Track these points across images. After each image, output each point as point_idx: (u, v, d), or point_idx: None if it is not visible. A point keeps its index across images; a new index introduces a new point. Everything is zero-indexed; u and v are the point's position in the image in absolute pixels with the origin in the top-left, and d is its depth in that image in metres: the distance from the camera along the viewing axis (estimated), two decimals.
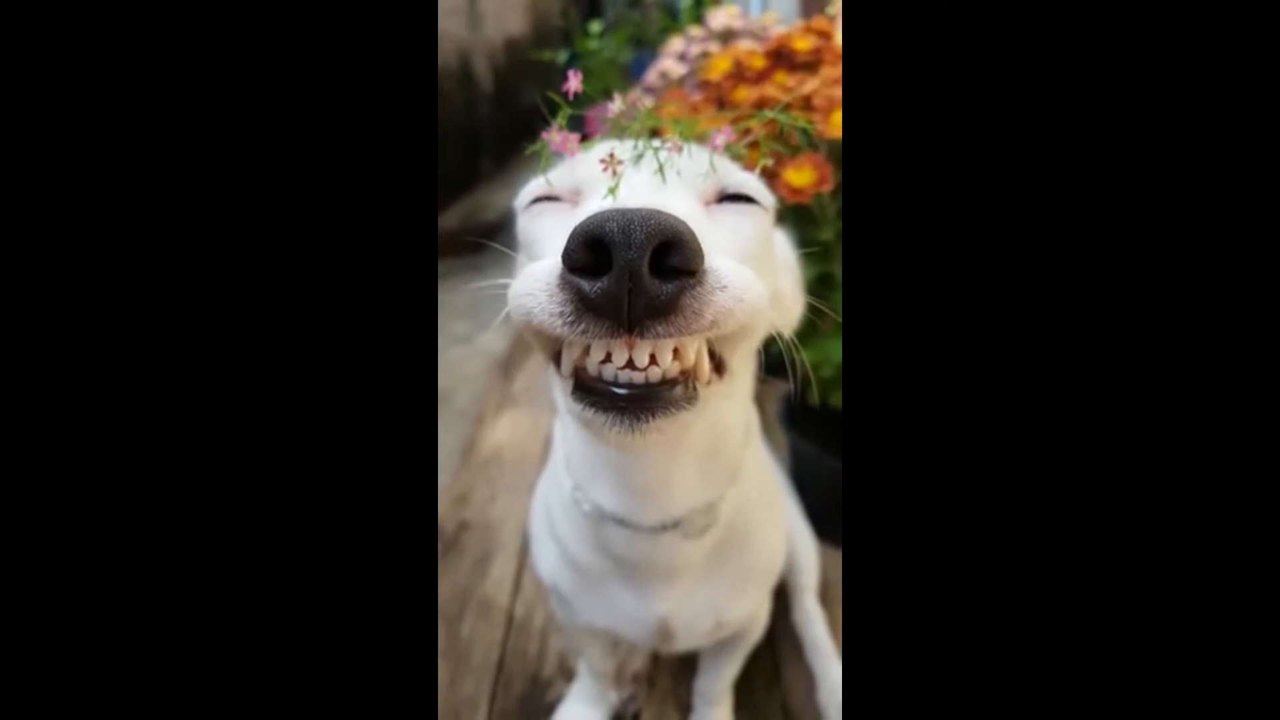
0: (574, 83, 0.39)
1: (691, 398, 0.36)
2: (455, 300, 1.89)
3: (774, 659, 0.91)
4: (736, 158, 0.45)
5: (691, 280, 0.32)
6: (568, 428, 0.53)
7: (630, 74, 1.59)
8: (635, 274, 0.30)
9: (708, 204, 0.42)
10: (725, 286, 0.33)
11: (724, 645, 0.72)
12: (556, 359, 0.39)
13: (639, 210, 0.30)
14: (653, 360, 0.35)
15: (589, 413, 0.36)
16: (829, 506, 0.97)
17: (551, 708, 0.86)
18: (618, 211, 0.30)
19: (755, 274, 0.35)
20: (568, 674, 0.90)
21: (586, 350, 0.36)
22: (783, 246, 0.53)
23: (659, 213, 0.30)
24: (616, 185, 0.38)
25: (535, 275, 0.34)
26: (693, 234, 0.31)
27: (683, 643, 0.62)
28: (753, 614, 0.66)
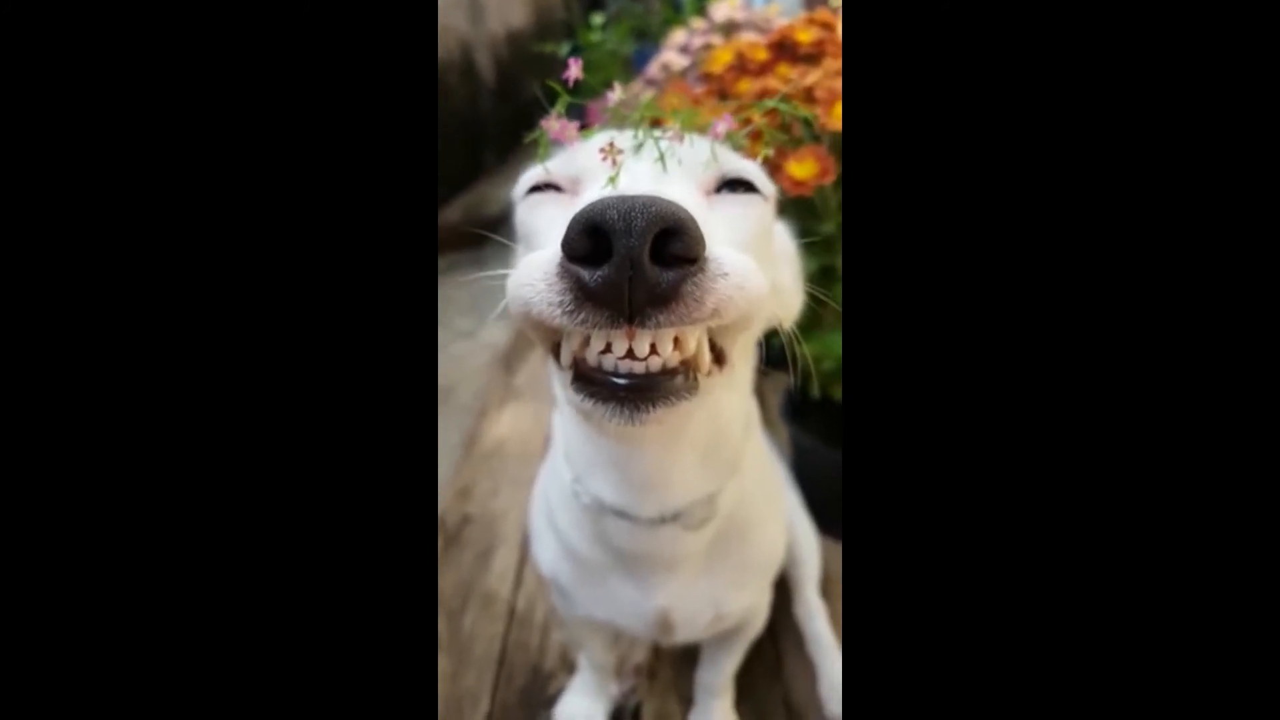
0: (574, 70, 0.38)
1: (692, 388, 0.36)
2: (458, 295, 1.89)
3: (776, 652, 0.91)
4: (737, 149, 0.45)
5: (693, 268, 0.31)
6: (567, 419, 0.53)
7: (632, 66, 1.58)
8: (636, 262, 0.30)
9: (708, 193, 0.42)
10: (726, 274, 0.32)
11: (725, 638, 0.72)
12: (556, 350, 0.39)
13: (639, 197, 0.30)
14: (653, 350, 0.35)
15: (589, 403, 0.36)
16: (830, 500, 0.97)
17: (553, 700, 0.86)
18: (618, 198, 0.30)
19: (755, 263, 0.35)
20: (569, 666, 0.90)
21: (586, 340, 0.35)
22: (783, 238, 0.53)
23: (660, 199, 0.30)
24: (617, 175, 0.37)
25: (534, 265, 0.33)
26: (694, 221, 0.31)
27: (683, 635, 0.62)
28: (753, 606, 0.66)
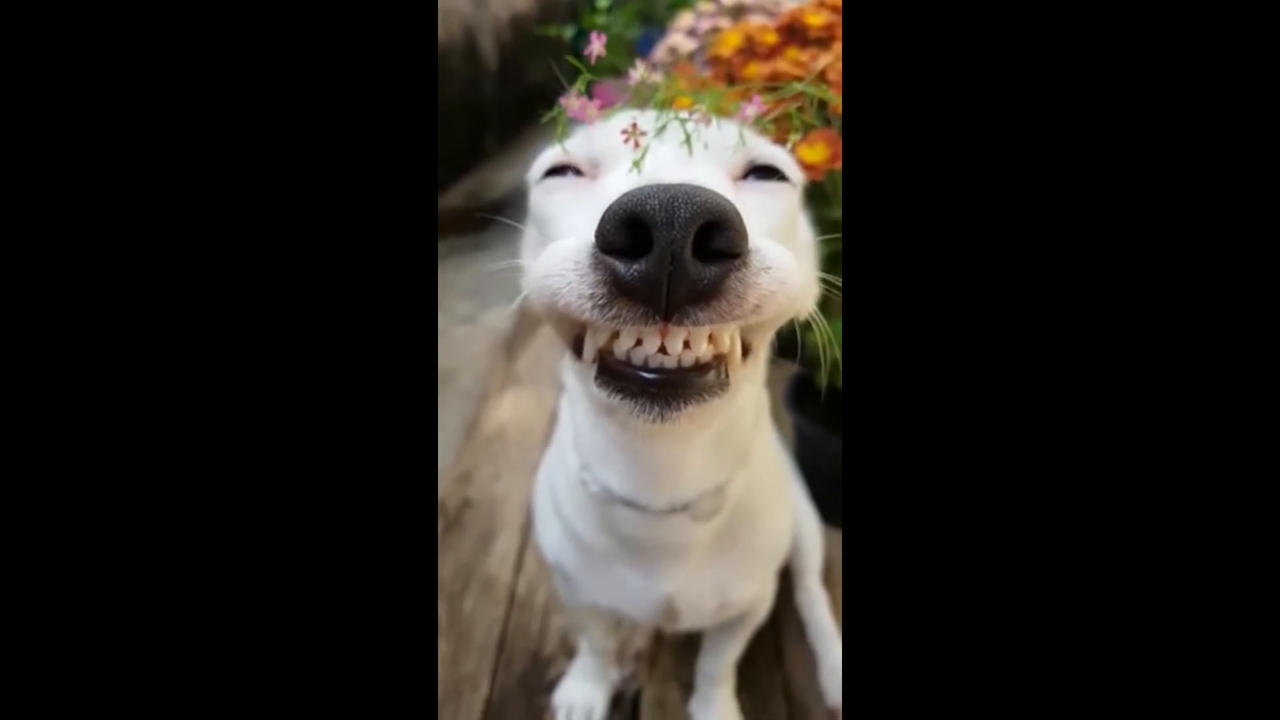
0: (597, 46, 0.37)
1: (724, 384, 0.35)
2: (459, 279, 1.87)
3: (777, 640, 0.91)
4: (762, 133, 0.44)
5: (736, 263, 0.30)
6: (578, 408, 0.52)
7: (638, 50, 1.57)
8: (677, 256, 0.28)
9: (735, 179, 0.40)
10: (769, 268, 0.31)
11: (727, 625, 0.72)
12: (576, 343, 0.37)
13: (682, 186, 0.28)
14: (686, 344, 0.33)
15: (615, 399, 0.34)
16: (834, 489, 0.97)
17: (553, 685, 0.86)
18: (659, 188, 0.28)
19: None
20: (569, 652, 0.90)
21: (614, 334, 0.34)
22: (803, 227, 0.52)
23: (704, 190, 0.28)
24: (642, 158, 0.36)
25: (562, 254, 0.31)
26: (739, 214, 0.29)
27: (687, 622, 0.62)
28: (758, 595, 0.66)
